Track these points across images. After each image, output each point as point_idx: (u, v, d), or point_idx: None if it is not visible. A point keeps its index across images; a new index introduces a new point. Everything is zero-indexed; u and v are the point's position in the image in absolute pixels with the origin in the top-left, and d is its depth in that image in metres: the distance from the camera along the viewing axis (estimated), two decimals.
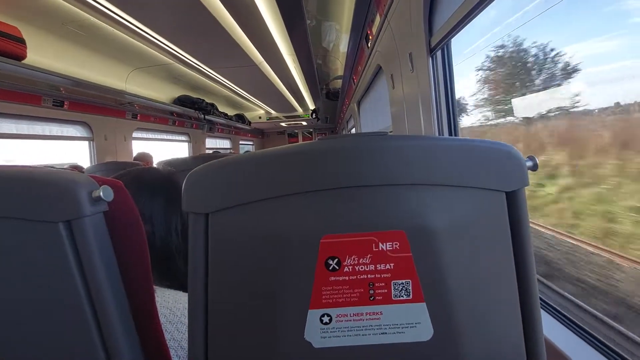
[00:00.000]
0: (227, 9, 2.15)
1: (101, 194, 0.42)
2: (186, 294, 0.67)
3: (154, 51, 2.90)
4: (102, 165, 2.05)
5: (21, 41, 1.99)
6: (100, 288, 0.43)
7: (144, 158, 3.33)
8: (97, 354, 0.44)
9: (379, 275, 0.38)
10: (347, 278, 0.38)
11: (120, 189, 0.47)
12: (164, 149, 4.54)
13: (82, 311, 0.43)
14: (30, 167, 0.47)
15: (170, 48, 2.79)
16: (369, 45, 2.42)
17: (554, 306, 0.89)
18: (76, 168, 2.28)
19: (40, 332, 0.45)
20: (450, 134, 1.49)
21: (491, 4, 0.99)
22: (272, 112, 7.03)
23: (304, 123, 7.98)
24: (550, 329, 0.81)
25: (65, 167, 2.23)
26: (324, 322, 0.39)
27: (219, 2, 2.04)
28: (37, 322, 0.45)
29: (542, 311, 0.42)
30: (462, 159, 0.39)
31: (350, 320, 0.39)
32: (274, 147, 0.40)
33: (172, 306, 0.62)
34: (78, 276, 0.43)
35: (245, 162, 0.39)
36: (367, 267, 0.38)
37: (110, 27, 2.37)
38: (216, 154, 3.03)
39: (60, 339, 0.45)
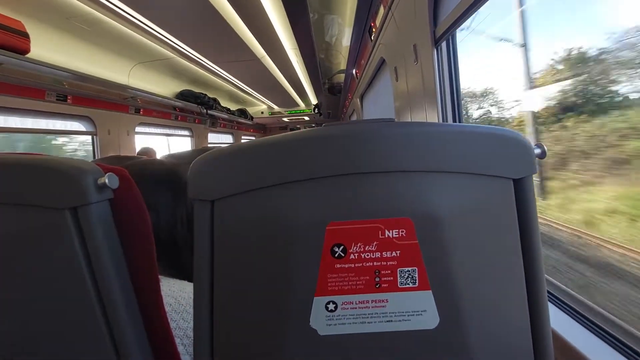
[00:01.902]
0: (230, 3, 2.14)
1: (107, 181, 0.42)
2: (191, 284, 0.67)
3: (157, 45, 2.89)
4: (105, 160, 2.05)
5: (25, 35, 1.99)
6: (107, 276, 0.43)
7: (147, 152, 3.34)
8: (104, 341, 0.44)
9: (384, 263, 0.38)
10: (352, 265, 0.38)
11: (125, 177, 0.47)
12: (166, 143, 4.55)
13: (89, 299, 0.44)
14: (35, 154, 0.47)
15: (173, 42, 2.78)
16: (372, 38, 2.40)
17: (560, 297, 0.89)
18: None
19: (46, 319, 0.45)
20: None
21: None
22: (275, 107, 7.01)
23: (306, 118, 7.96)
24: (556, 319, 0.81)
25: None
26: (329, 309, 0.39)
27: None
28: (43, 309, 0.45)
29: (548, 303, 0.42)
30: (469, 145, 0.38)
31: (356, 308, 0.39)
32: (279, 134, 0.40)
33: (178, 295, 0.62)
34: (84, 264, 0.43)
35: (250, 149, 0.39)
36: (373, 255, 0.38)
37: (114, 22, 2.36)
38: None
39: (66, 326, 0.46)
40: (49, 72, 2.21)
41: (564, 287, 0.94)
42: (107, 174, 0.43)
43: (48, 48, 2.35)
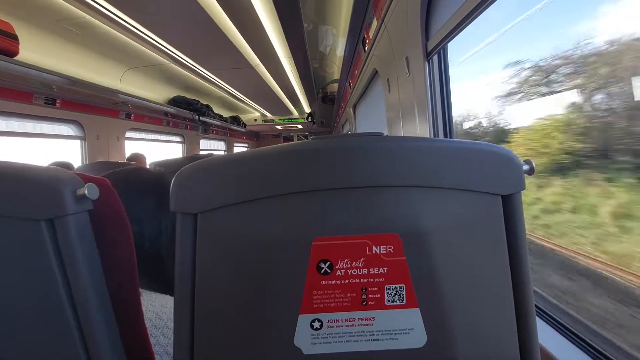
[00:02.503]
0: (224, 11, 2.14)
1: (86, 191, 0.41)
2: (173, 298, 0.65)
3: (149, 51, 2.88)
4: (93, 165, 2.01)
5: (14, 37, 1.96)
6: (83, 290, 0.41)
7: (137, 159, 3.29)
8: (78, 357, 0.42)
9: (372, 280, 0.37)
10: (339, 282, 0.37)
11: (106, 187, 0.46)
12: (157, 150, 4.50)
13: (63, 313, 0.42)
14: (12, 162, 0.45)
15: (167, 48, 2.77)
16: (365, 49, 2.43)
17: (549, 313, 0.89)
18: (63, 166, 2.23)
19: (19, 334, 0.43)
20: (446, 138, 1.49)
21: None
22: (268, 114, 7.02)
23: (300, 126, 7.98)
24: (545, 336, 0.80)
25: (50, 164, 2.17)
26: (314, 327, 0.38)
27: (217, 3, 2.04)
28: (16, 324, 0.43)
29: (536, 318, 0.41)
30: (457, 161, 0.38)
31: (342, 326, 0.38)
32: (265, 147, 0.39)
33: (159, 310, 0.60)
34: (60, 277, 0.41)
35: (235, 162, 0.38)
36: (359, 271, 0.37)
37: (106, 26, 2.35)
38: (211, 155, 2.99)
39: (39, 342, 0.43)
40: (37, 76, 2.17)
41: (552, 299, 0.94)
42: (86, 185, 0.41)
43: (38, 51, 2.32)
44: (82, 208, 0.42)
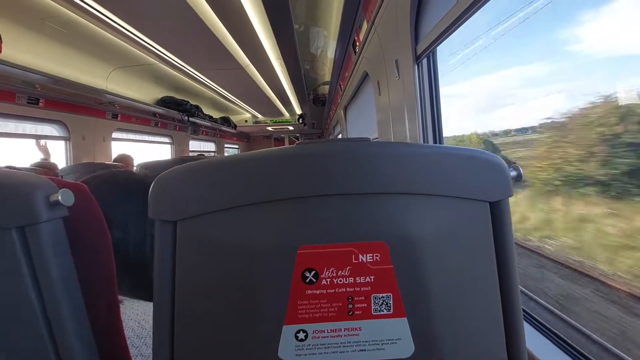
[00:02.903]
0: (214, 11, 2.12)
1: (60, 197, 0.39)
2: None
3: (137, 50, 2.83)
4: (78, 167, 1.96)
5: None
6: (56, 301, 0.39)
7: (124, 160, 3.22)
8: None
9: (358, 289, 0.36)
10: (324, 291, 0.36)
11: (83, 193, 0.44)
12: (145, 150, 4.43)
13: (36, 327, 0.40)
14: None
15: (155, 48, 2.72)
16: (356, 51, 2.43)
17: (537, 318, 0.89)
18: (46, 167, 2.16)
19: None
20: (435, 142, 1.50)
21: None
22: (259, 115, 6.98)
23: (291, 128, 7.95)
24: (533, 341, 0.81)
25: (32, 165, 2.10)
26: (299, 338, 0.36)
27: (206, 3, 2.01)
28: None
29: (524, 323, 0.41)
30: (445, 167, 0.37)
31: (328, 337, 0.37)
32: (249, 152, 0.38)
33: (141, 319, 0.58)
34: (32, 288, 0.39)
35: (216, 167, 0.37)
36: (346, 280, 0.36)
37: (93, 25, 2.29)
38: (201, 157, 2.95)
39: (10, 354, 0.41)
40: (20, 75, 2.11)
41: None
42: (60, 190, 0.39)
43: (21, 49, 2.25)
44: (55, 215, 0.40)
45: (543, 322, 0.87)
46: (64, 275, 0.40)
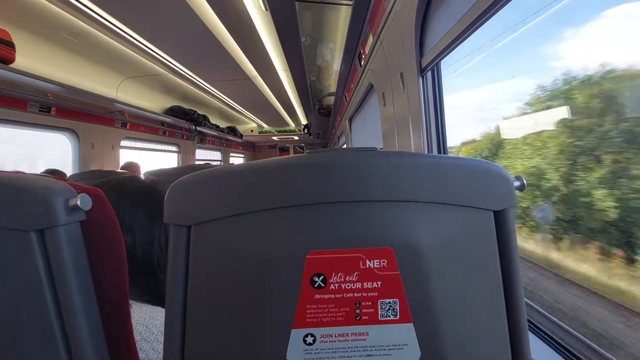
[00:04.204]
0: (222, 23, 2.18)
1: (78, 202, 0.40)
2: (164, 310, 0.63)
3: (147, 61, 2.90)
4: (86, 174, 1.99)
5: (10, 45, 1.97)
6: (71, 302, 0.41)
7: (131, 168, 3.27)
8: None
9: (365, 294, 0.37)
10: (332, 296, 0.37)
11: (99, 197, 0.45)
12: (152, 159, 4.48)
13: (50, 327, 0.41)
14: (2, 171, 0.45)
15: (165, 59, 2.79)
16: (361, 64, 2.47)
17: (541, 327, 0.88)
18: (56, 173, 2.20)
19: (4, 345, 0.42)
20: (439, 153, 1.51)
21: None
22: (265, 125, 7.06)
23: (296, 138, 8.02)
24: (538, 351, 0.80)
25: (41, 173, 2.13)
26: (307, 342, 0.37)
27: (215, 16, 2.07)
28: (1, 334, 0.42)
29: (529, 333, 0.41)
30: (450, 176, 0.38)
31: (335, 341, 0.37)
32: (261, 160, 0.39)
33: (149, 323, 0.59)
34: (48, 290, 0.40)
35: (230, 174, 0.38)
36: (353, 285, 0.37)
37: (104, 35, 2.36)
38: (207, 166, 2.98)
39: (25, 352, 0.42)
40: (33, 83, 2.17)
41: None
42: (79, 195, 0.41)
43: (34, 59, 2.32)
44: (73, 219, 0.41)
45: (548, 333, 0.86)
46: (79, 277, 0.41)
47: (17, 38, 2.02)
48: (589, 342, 0.79)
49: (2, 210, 0.40)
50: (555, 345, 0.81)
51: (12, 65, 2.01)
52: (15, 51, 2.00)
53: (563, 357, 0.78)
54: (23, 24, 2.12)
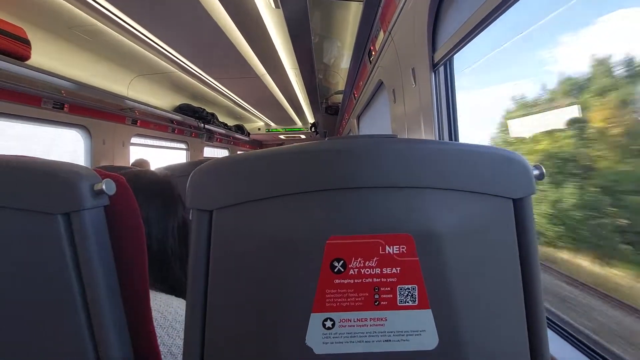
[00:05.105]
0: (233, 21, 2.19)
1: (103, 186, 0.41)
2: (178, 299, 0.65)
3: (158, 59, 2.93)
4: (97, 169, 2.01)
5: (26, 42, 2.00)
6: (95, 285, 0.42)
7: (141, 164, 3.30)
8: (87, 352, 0.42)
9: (384, 280, 0.37)
10: (352, 281, 0.37)
11: (122, 184, 0.46)
12: (162, 156, 4.53)
13: (75, 307, 0.42)
14: (30, 157, 0.46)
15: (176, 57, 2.82)
16: (371, 60, 2.46)
17: (557, 322, 0.87)
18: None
19: (29, 326, 0.43)
20: None
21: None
22: (272, 124, 7.08)
23: (303, 136, 8.03)
24: (554, 343, 0.79)
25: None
26: (326, 326, 0.37)
27: (226, 14, 2.08)
28: (27, 315, 0.43)
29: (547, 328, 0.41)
30: (470, 164, 0.38)
31: (354, 326, 0.38)
32: (282, 146, 0.39)
33: (164, 310, 0.59)
34: (73, 271, 0.41)
35: (251, 160, 0.39)
36: (372, 271, 0.37)
37: (116, 33, 2.39)
38: None
39: (49, 334, 0.43)
40: (47, 80, 2.21)
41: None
42: (104, 180, 0.42)
43: (48, 56, 2.36)
44: (98, 203, 0.42)
45: (562, 325, 0.85)
46: (103, 261, 0.42)
47: (32, 36, 2.06)
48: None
49: (29, 193, 0.41)
50: (571, 338, 0.81)
51: (27, 62, 2.04)
52: (30, 48, 2.04)
53: (574, 346, 0.77)
54: (38, 22, 2.16)
